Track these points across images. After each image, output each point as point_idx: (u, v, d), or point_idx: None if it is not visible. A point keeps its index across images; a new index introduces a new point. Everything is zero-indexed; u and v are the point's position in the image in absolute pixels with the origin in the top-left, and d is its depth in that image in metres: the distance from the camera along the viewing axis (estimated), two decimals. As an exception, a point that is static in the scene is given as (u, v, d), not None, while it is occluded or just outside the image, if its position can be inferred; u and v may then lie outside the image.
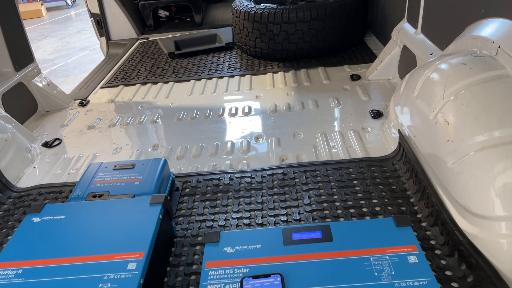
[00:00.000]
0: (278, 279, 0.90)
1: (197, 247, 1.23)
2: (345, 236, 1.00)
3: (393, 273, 0.89)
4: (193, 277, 1.13)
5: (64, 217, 1.14)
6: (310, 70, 2.49)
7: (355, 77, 2.29)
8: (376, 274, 0.89)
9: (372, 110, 1.91)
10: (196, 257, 1.20)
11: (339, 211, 1.30)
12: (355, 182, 1.43)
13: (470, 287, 0.99)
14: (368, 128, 1.79)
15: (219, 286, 0.91)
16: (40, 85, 2.28)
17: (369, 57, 2.55)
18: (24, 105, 2.18)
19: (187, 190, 1.50)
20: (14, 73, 2.13)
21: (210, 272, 0.95)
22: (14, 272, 0.97)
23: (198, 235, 1.28)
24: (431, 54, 1.75)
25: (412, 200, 1.32)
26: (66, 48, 6.82)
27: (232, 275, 0.93)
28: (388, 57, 2.19)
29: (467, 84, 1.15)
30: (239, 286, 0.90)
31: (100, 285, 0.91)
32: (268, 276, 0.91)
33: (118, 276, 0.93)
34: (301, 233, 1.02)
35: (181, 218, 1.36)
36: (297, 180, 1.48)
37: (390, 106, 1.71)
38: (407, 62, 2.01)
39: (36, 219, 1.14)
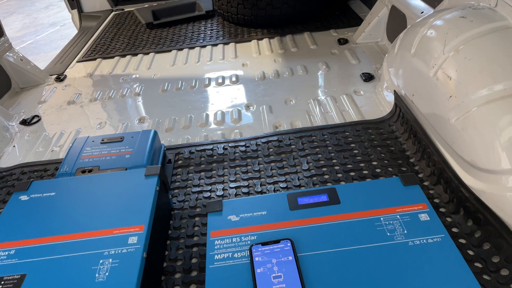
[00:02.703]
0: (289, 244, 0.87)
1: (196, 219, 1.19)
2: (352, 198, 0.98)
3: (405, 232, 0.87)
4: (195, 249, 1.09)
5: (54, 194, 1.07)
6: (296, 35, 2.42)
7: (342, 41, 2.24)
8: (388, 234, 0.87)
9: (363, 73, 1.87)
10: (196, 228, 1.15)
11: (339, 175, 1.28)
12: (352, 145, 1.40)
13: (478, 243, 0.98)
14: (361, 92, 1.75)
15: (227, 255, 0.88)
16: (13, 60, 2.15)
17: (355, 20, 2.49)
18: (-3, 82, 2.06)
19: (180, 162, 1.45)
20: (-16, 48, 2.00)
21: (216, 241, 0.91)
22: (6, 253, 0.91)
23: (196, 206, 1.23)
24: (422, 13, 1.70)
25: (412, 160, 1.30)
26: (35, 25, 6.50)
27: (240, 243, 0.90)
28: (375, 19, 2.14)
29: (468, 37, 1.12)
30: (248, 253, 0.87)
31: (101, 261, 0.86)
32: (277, 242, 0.88)
33: (120, 251, 0.88)
34: (307, 197, 0.99)
35: (176, 191, 1.31)
36: (293, 146, 1.44)
37: (383, 68, 1.67)
38: (396, 22, 1.97)
39: (24, 197, 1.07)
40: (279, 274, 0.80)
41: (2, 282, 0.84)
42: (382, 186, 1.00)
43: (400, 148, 1.36)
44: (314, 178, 1.28)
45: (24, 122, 1.85)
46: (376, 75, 1.85)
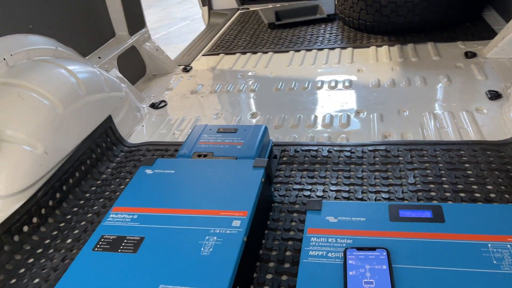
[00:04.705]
0: (384, 253, 0.87)
1: (295, 214, 1.24)
2: (459, 218, 0.93)
3: (515, 264, 0.81)
4: (290, 242, 1.14)
5: (174, 172, 1.21)
6: (418, 45, 2.33)
7: (470, 55, 2.09)
8: (494, 262, 0.82)
9: (489, 91, 1.74)
10: (293, 223, 1.20)
11: (448, 194, 1.22)
12: (467, 165, 1.32)
13: None
14: (484, 110, 1.63)
15: (321, 253, 0.91)
16: (150, 49, 2.42)
17: (488, 33, 2.31)
18: (135, 68, 2.34)
19: (284, 158, 1.51)
20: (128, 37, 2.28)
21: (312, 238, 0.95)
22: (130, 216, 1.05)
23: (296, 203, 1.28)
24: None
25: (535, 190, 1.19)
26: (169, 18, 7.15)
27: (335, 244, 0.92)
28: (512, 33, 1.96)
29: None
30: (342, 256, 0.89)
31: (207, 237, 0.96)
32: (373, 249, 0.88)
33: (224, 231, 0.97)
34: (410, 211, 0.97)
35: (278, 185, 1.38)
36: (401, 158, 1.41)
37: (513, 87, 1.54)
38: (537, 38, 1.79)
39: (149, 171, 1.22)
40: (371, 280, 0.81)
41: (125, 241, 0.98)
42: (495, 212, 0.94)
43: (522, 175, 1.25)
44: (420, 193, 1.24)
45: (153, 106, 2.08)
46: (504, 94, 1.71)
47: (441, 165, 1.34)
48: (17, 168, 1.29)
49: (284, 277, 1.04)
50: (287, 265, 1.07)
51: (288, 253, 1.11)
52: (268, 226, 1.20)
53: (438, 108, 1.70)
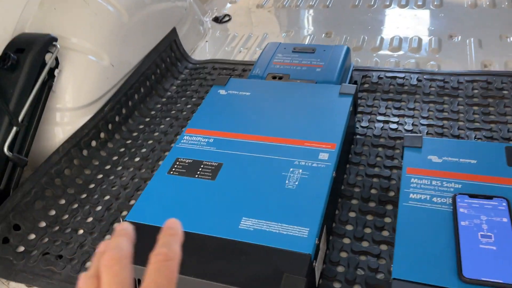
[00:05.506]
0: (504, 204, 0.74)
1: (380, 149, 1.11)
2: None
3: None
4: (375, 180, 1.03)
5: (249, 94, 1.09)
6: (526, -42, 1.97)
7: None
8: None
9: None
10: (378, 159, 1.08)
11: None
12: None
13: None
14: None
15: (424, 197, 0.79)
16: (212, -44, 2.20)
17: None
18: (196, -24, 2.15)
19: (366, 85, 1.35)
20: None
21: (413, 179, 0.83)
22: (206, 140, 0.97)
23: (381, 136, 1.15)
24: None
25: None
26: None
27: (440, 188, 0.80)
28: None
29: None
30: (451, 202, 0.77)
31: (291, 169, 0.86)
32: (490, 197, 0.75)
33: (310, 164, 0.87)
34: (533, 156, 0.82)
35: (360, 115, 1.24)
36: (505, 92, 1.22)
37: None
38: None
39: (222, 92, 1.12)
40: (489, 234, 0.70)
41: (202, 166, 0.90)
42: None
43: None
44: (530, 134, 1.07)
45: (216, 20, 1.93)
46: None
47: (557, 102, 1.15)
48: (84, 79, 1.22)
49: (369, 217, 0.94)
50: (372, 204, 0.97)
51: (373, 191, 1.00)
52: (350, 160, 1.09)
53: (551, 35, 1.44)
